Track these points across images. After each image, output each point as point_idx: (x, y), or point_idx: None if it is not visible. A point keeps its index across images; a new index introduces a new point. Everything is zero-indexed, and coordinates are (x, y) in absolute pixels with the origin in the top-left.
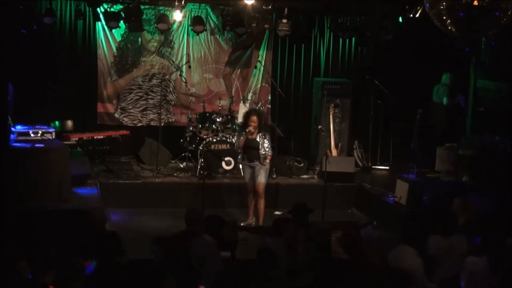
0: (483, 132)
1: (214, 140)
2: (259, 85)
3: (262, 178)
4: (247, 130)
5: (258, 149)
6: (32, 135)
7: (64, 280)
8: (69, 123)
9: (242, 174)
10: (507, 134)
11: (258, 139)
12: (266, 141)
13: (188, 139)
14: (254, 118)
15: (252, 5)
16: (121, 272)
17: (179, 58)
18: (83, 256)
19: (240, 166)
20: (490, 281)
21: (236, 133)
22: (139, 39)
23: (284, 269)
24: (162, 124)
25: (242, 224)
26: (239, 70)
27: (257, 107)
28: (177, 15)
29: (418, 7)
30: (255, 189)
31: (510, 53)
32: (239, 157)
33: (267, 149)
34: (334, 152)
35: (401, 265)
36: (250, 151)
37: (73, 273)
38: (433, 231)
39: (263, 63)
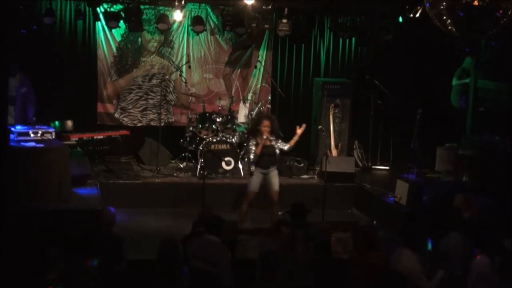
0: (483, 132)
1: (214, 140)
2: (259, 85)
3: (277, 185)
4: (264, 137)
5: (274, 155)
6: (32, 135)
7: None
8: (69, 123)
9: (250, 182)
10: (507, 134)
11: (274, 144)
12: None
13: (188, 139)
14: (267, 122)
15: (252, 5)
16: (119, 275)
17: (179, 58)
18: (84, 255)
19: (240, 165)
20: (497, 282)
21: (237, 133)
22: (139, 39)
23: (284, 270)
24: (162, 124)
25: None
26: (239, 70)
27: (258, 107)
28: (177, 15)
29: (418, 7)
30: (269, 198)
31: (510, 53)
32: (249, 164)
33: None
34: (334, 152)
35: (399, 267)
36: (266, 158)
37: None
38: (433, 231)
39: (263, 63)
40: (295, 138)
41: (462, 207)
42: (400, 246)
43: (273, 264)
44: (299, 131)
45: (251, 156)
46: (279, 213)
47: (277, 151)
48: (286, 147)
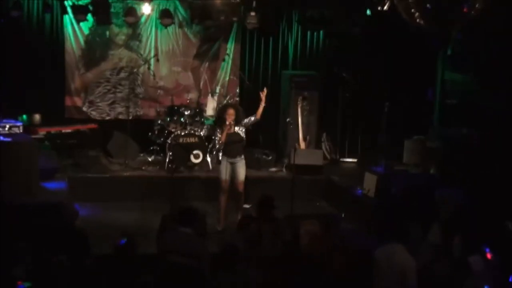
0: (450, 125)
1: (182, 133)
2: (227, 78)
3: (243, 176)
4: (226, 123)
5: (240, 142)
6: None
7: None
8: (37, 116)
9: (220, 171)
10: (474, 126)
11: (239, 132)
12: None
13: (156, 132)
14: (231, 111)
15: None
16: (87, 270)
17: (147, 51)
18: (51, 250)
19: (208, 159)
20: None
21: (205, 126)
22: (107, 32)
23: (251, 264)
24: (130, 118)
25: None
26: (207, 63)
27: (226, 100)
28: (145, 8)
29: (386, 0)
30: (234, 187)
31: (477, 45)
32: (215, 152)
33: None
34: (302, 145)
35: (394, 262)
36: (232, 145)
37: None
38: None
39: (231, 56)
40: (261, 105)
41: (439, 204)
42: (389, 242)
43: (234, 258)
44: (262, 96)
45: (217, 145)
46: (246, 206)
47: (243, 135)
48: (253, 118)
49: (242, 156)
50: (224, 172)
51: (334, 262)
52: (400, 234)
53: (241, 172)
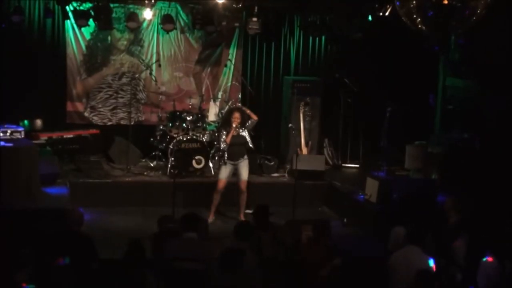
0: (451, 130)
1: (185, 139)
2: (229, 84)
3: (246, 175)
4: (233, 126)
5: (244, 144)
6: (1, 134)
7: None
8: (39, 122)
9: (220, 171)
10: (475, 131)
11: (243, 134)
12: (247, 135)
13: (158, 138)
14: (237, 114)
15: (222, 3)
16: (90, 274)
17: (148, 57)
18: (54, 254)
19: (211, 164)
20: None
21: (207, 132)
22: (109, 38)
23: (252, 271)
24: (132, 123)
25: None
26: (209, 69)
27: (228, 106)
28: (147, 14)
29: (388, 6)
30: (239, 186)
31: (478, 51)
32: (218, 154)
33: (250, 143)
34: (304, 150)
35: (413, 265)
36: (235, 147)
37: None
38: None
39: (233, 62)
40: (247, 109)
41: (450, 210)
42: (406, 245)
43: (236, 264)
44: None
45: (221, 145)
46: (248, 211)
47: (248, 138)
48: (251, 120)
49: (245, 157)
50: (224, 172)
51: (328, 266)
52: (416, 237)
53: (244, 171)
